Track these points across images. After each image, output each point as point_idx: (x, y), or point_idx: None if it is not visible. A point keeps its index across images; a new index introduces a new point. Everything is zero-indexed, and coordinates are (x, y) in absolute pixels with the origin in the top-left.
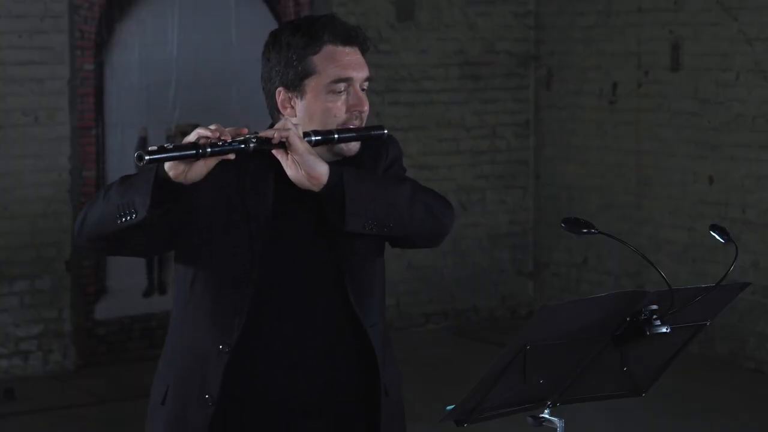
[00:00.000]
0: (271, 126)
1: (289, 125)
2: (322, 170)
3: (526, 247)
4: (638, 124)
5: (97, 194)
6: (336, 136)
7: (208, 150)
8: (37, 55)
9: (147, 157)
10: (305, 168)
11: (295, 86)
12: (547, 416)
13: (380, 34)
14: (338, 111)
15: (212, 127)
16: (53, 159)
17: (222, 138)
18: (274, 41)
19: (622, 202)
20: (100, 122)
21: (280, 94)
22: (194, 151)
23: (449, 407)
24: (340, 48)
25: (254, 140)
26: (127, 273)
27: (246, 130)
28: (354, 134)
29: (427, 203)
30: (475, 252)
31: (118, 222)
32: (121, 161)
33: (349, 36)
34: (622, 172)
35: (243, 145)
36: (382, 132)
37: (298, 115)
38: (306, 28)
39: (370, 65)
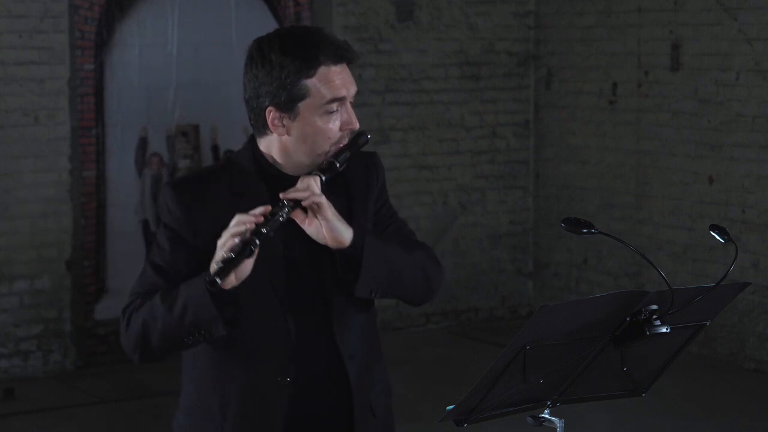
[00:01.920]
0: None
1: (316, 189)
2: (348, 236)
3: (526, 247)
4: (638, 124)
5: (131, 312)
6: (338, 166)
7: (257, 242)
8: (37, 55)
9: (218, 279)
10: (331, 233)
11: (288, 108)
12: (547, 416)
13: (380, 34)
14: (332, 132)
15: (246, 218)
16: (53, 159)
17: (258, 223)
18: (261, 58)
19: (622, 202)
20: (100, 122)
21: (271, 113)
22: (249, 250)
23: (449, 407)
24: (333, 68)
25: (286, 211)
26: (127, 273)
27: (270, 208)
28: (349, 153)
29: (426, 270)
30: (475, 252)
31: (189, 342)
32: (121, 161)
33: (341, 54)
34: (622, 172)
35: (281, 218)
36: (366, 138)
37: (291, 139)
38: (298, 49)
39: (371, 65)
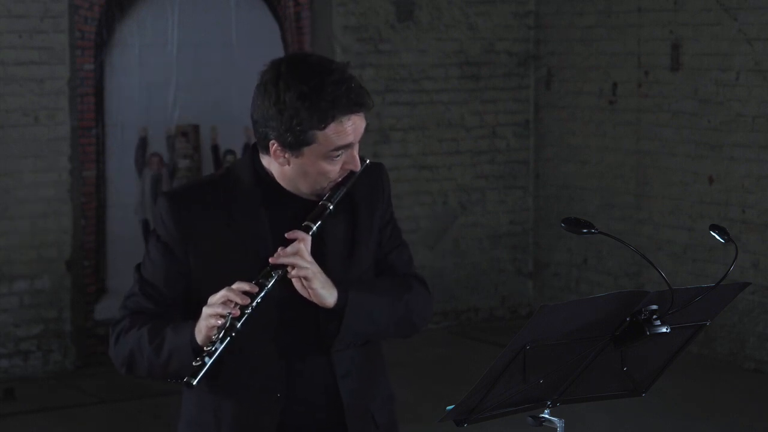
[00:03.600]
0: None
1: (305, 256)
2: (331, 300)
3: (526, 247)
4: (638, 124)
5: (120, 333)
6: (331, 207)
7: (239, 326)
8: (37, 55)
9: (195, 382)
10: (316, 298)
11: (292, 148)
12: (547, 416)
13: (380, 34)
14: (333, 173)
15: (233, 296)
16: (53, 159)
17: (241, 305)
18: (276, 95)
19: (622, 202)
20: (100, 122)
21: (274, 146)
22: (230, 338)
23: (449, 407)
24: (345, 119)
25: (272, 282)
26: (127, 273)
27: (256, 288)
28: (344, 189)
29: (411, 313)
30: (475, 252)
31: (170, 381)
32: (121, 161)
33: (358, 104)
34: (622, 172)
35: (263, 293)
36: (365, 163)
37: (291, 169)
38: (313, 99)
39: (370, 65)
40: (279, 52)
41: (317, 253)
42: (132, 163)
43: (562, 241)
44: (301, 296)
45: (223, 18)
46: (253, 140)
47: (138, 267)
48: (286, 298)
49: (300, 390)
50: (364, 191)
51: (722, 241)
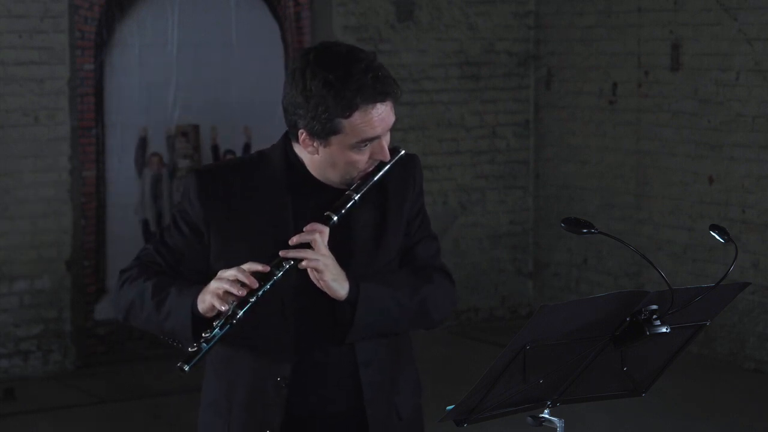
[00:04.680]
0: (285, 141)
1: (321, 249)
2: (343, 293)
3: (526, 247)
4: (638, 124)
5: (126, 281)
6: (356, 198)
7: (240, 315)
8: (37, 55)
9: (187, 367)
10: (328, 289)
11: (320, 137)
12: (547, 416)
13: (380, 34)
14: (361, 163)
15: (242, 276)
16: (53, 159)
17: (248, 291)
18: (303, 82)
19: (622, 202)
20: (100, 122)
21: (303, 134)
22: (229, 326)
23: (449, 407)
24: (371, 108)
25: (282, 272)
26: None
27: (268, 268)
28: (372, 180)
29: (428, 306)
30: (475, 252)
31: (165, 339)
32: (121, 161)
33: (383, 93)
34: (622, 172)
35: (270, 284)
36: (399, 154)
37: (320, 158)
38: (339, 87)
39: None
40: (279, 52)
41: (344, 239)
42: (132, 163)
43: (562, 241)
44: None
45: (223, 18)
46: (251, 139)
47: (160, 232)
48: (303, 286)
49: (312, 379)
50: (396, 181)
51: (722, 241)
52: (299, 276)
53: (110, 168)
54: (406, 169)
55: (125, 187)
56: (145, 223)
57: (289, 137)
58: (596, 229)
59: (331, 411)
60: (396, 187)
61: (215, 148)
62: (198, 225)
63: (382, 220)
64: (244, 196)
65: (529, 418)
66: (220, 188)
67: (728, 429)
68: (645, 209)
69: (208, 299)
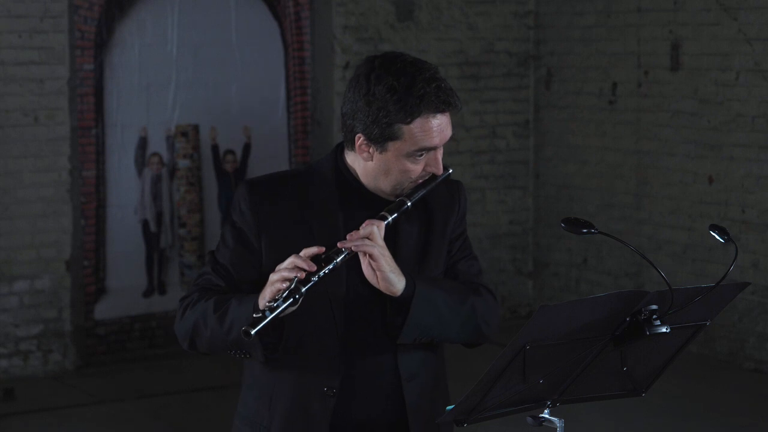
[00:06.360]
0: (337, 157)
1: (378, 240)
2: (399, 287)
3: (526, 247)
4: (638, 124)
5: (188, 306)
6: (409, 204)
7: (303, 290)
8: (37, 55)
9: (252, 332)
10: (383, 282)
11: (377, 142)
12: (547, 416)
13: (380, 34)
14: (415, 173)
15: (299, 262)
16: (53, 159)
17: (309, 271)
18: (367, 87)
19: (622, 202)
20: (100, 122)
21: (360, 139)
22: (293, 300)
23: (449, 407)
24: (432, 117)
25: (340, 259)
26: (127, 273)
27: (323, 249)
28: (424, 191)
29: (477, 319)
30: (475, 252)
31: (232, 354)
32: (121, 161)
33: (445, 103)
34: (622, 172)
35: (331, 266)
36: (447, 173)
37: (374, 165)
38: (403, 93)
39: None
40: (279, 52)
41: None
42: (132, 163)
43: (561, 241)
44: (368, 293)
45: (223, 18)
46: (251, 139)
47: (212, 252)
48: (353, 296)
49: (359, 388)
50: (441, 201)
51: (722, 241)
52: (349, 285)
53: (110, 168)
54: (451, 193)
55: (125, 187)
56: (145, 223)
57: (340, 149)
58: (596, 229)
59: (375, 423)
60: (441, 206)
61: (215, 148)
62: (248, 236)
63: (426, 236)
64: (294, 206)
65: (529, 418)
66: (271, 198)
67: (728, 429)
68: (645, 209)
69: (267, 292)
